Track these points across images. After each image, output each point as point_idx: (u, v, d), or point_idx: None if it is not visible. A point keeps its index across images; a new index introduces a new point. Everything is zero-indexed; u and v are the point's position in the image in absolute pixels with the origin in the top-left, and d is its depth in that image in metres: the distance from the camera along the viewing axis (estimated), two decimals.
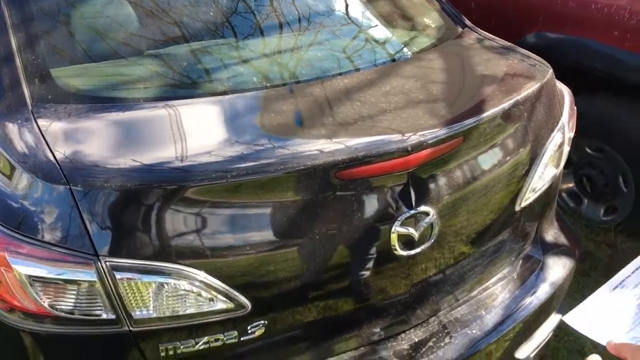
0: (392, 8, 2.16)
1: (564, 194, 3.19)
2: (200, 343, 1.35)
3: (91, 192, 1.23)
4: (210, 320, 1.34)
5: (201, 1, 1.80)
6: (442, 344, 1.58)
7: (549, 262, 1.87)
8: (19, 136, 1.35)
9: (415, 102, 1.59)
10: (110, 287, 1.25)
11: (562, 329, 2.18)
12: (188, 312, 1.32)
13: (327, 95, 1.59)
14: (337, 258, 1.43)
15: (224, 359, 1.41)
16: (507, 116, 1.62)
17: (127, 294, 1.26)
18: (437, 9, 2.17)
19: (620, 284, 1.00)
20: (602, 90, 2.95)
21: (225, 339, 1.37)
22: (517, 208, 1.72)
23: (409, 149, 1.41)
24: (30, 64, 1.49)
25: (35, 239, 1.24)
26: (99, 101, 1.47)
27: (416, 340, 1.58)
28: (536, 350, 1.77)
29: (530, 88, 1.70)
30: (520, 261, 1.84)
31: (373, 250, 1.45)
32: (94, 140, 1.35)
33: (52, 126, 1.36)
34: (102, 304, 1.27)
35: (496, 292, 1.75)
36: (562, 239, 1.97)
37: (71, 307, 1.26)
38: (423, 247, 1.49)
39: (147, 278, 1.26)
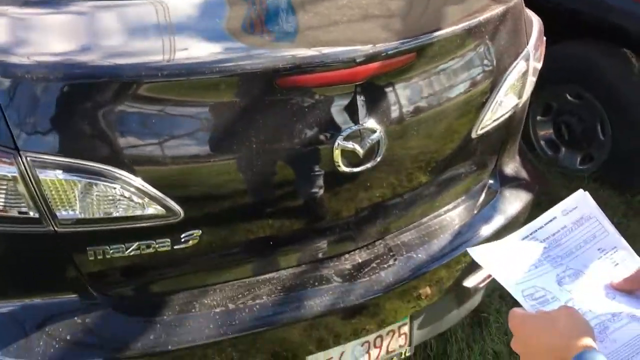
0: None
1: (542, 142, 3.15)
2: (130, 249, 1.32)
3: (12, 83, 1.18)
4: (141, 225, 1.30)
5: None
6: (385, 266, 1.55)
7: (506, 194, 1.84)
8: None
9: (370, 16, 1.53)
10: (32, 184, 1.21)
11: None
12: (116, 215, 1.28)
13: (279, 4, 1.52)
14: (276, 171, 1.39)
15: (157, 267, 1.39)
16: (465, 36, 1.56)
17: (51, 192, 1.22)
18: None
19: (531, 234, 0.99)
20: (583, 35, 2.89)
21: (157, 246, 1.34)
22: (474, 135, 1.67)
23: (357, 60, 1.35)
24: None
25: None
26: None
27: (360, 261, 1.56)
28: (485, 282, 1.74)
29: (494, 10, 1.63)
30: (476, 191, 1.80)
31: (314, 164, 1.41)
32: (16, 30, 1.29)
33: None
34: (24, 202, 1.23)
35: (448, 219, 1.72)
36: (523, 174, 1.94)
37: None
38: (368, 165, 1.44)
39: (71, 177, 1.22)
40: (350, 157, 1.42)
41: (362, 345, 1.60)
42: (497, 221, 1.76)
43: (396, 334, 1.65)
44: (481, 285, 1.75)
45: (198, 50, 1.32)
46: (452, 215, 1.73)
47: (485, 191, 1.81)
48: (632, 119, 2.78)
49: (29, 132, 1.20)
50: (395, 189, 1.58)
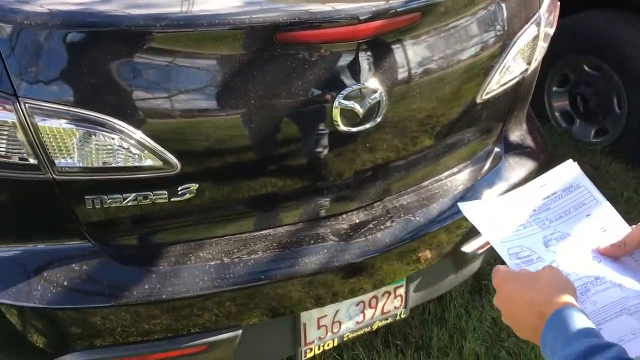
0: None
1: (556, 113, 3.10)
2: (128, 199, 1.34)
3: (12, 30, 1.18)
4: (138, 176, 1.32)
5: None
6: (382, 227, 1.55)
7: (510, 161, 1.82)
8: None
9: None
10: (31, 131, 1.22)
11: None
12: (115, 165, 1.29)
13: None
14: (274, 127, 1.39)
15: (154, 218, 1.40)
16: None
17: (49, 139, 1.24)
18: None
19: (522, 197, 0.99)
20: (603, 5, 2.81)
21: (154, 197, 1.35)
22: (479, 100, 1.65)
23: (360, 17, 1.34)
24: None
25: None
26: None
27: (357, 221, 1.56)
28: (484, 248, 1.74)
29: None
30: (480, 157, 1.79)
31: (313, 122, 1.40)
32: None
33: None
34: (23, 149, 1.25)
35: (449, 184, 1.71)
36: (529, 141, 1.91)
37: None
38: (368, 125, 1.43)
39: (69, 125, 1.23)
40: (350, 117, 1.41)
41: (357, 305, 1.62)
42: (499, 188, 1.74)
43: (392, 296, 1.66)
44: (480, 251, 1.74)
45: (199, 2, 1.31)
46: (454, 180, 1.72)
47: (489, 158, 1.80)
48: None
49: (29, 79, 1.21)
50: (396, 151, 1.57)
